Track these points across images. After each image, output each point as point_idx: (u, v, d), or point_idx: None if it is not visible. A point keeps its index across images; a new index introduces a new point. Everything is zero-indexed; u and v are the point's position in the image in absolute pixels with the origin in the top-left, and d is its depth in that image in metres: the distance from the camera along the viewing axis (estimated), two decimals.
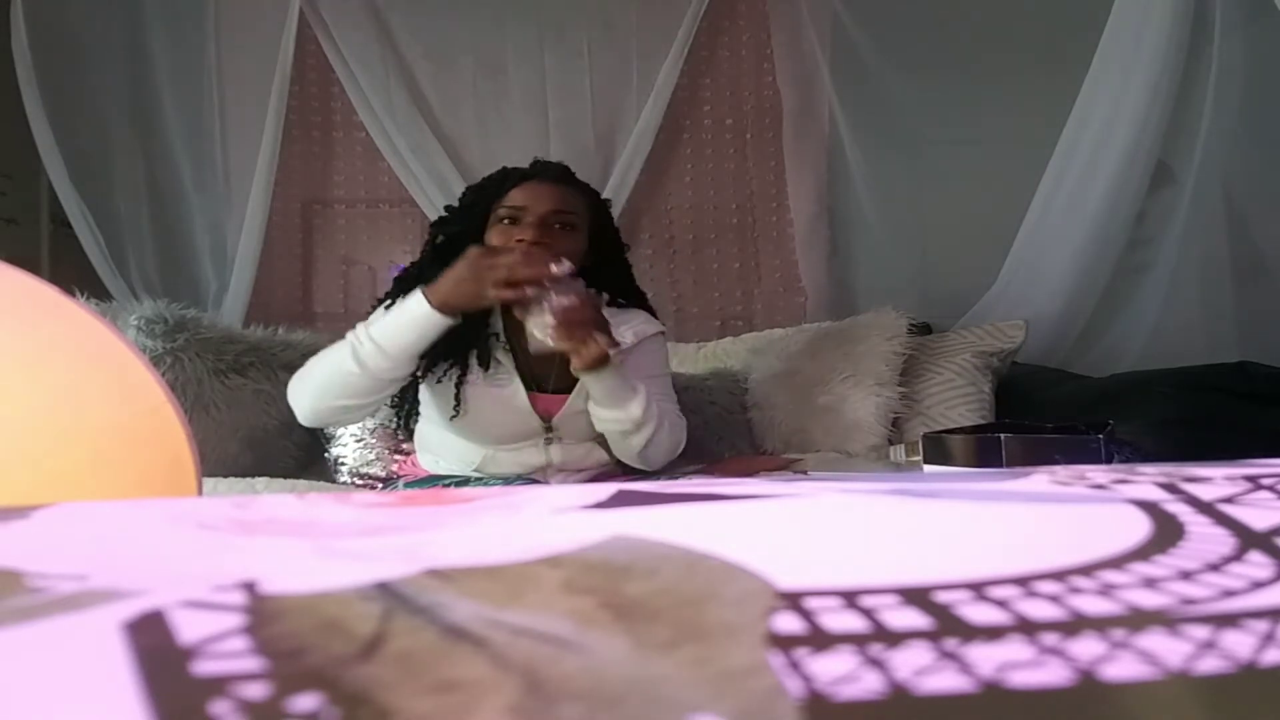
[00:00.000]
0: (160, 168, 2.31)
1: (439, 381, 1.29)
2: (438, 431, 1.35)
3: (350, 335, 1.20)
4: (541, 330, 1.14)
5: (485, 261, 1.13)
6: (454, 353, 1.27)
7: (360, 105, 2.35)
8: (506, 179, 1.31)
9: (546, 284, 1.12)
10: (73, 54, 2.19)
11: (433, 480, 1.37)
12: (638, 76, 2.43)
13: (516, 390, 1.28)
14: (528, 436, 1.30)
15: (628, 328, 1.34)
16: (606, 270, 1.39)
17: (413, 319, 1.15)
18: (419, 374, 1.29)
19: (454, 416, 1.28)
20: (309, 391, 1.23)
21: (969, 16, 2.18)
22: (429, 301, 1.14)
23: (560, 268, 1.11)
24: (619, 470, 1.41)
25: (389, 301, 1.28)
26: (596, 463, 1.36)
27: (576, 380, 1.25)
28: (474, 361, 1.29)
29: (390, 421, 1.55)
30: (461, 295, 1.14)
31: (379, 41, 2.35)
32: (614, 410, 1.23)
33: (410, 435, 1.47)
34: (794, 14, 2.46)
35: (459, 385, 1.27)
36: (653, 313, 1.44)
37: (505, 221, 1.26)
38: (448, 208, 1.39)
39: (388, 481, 1.55)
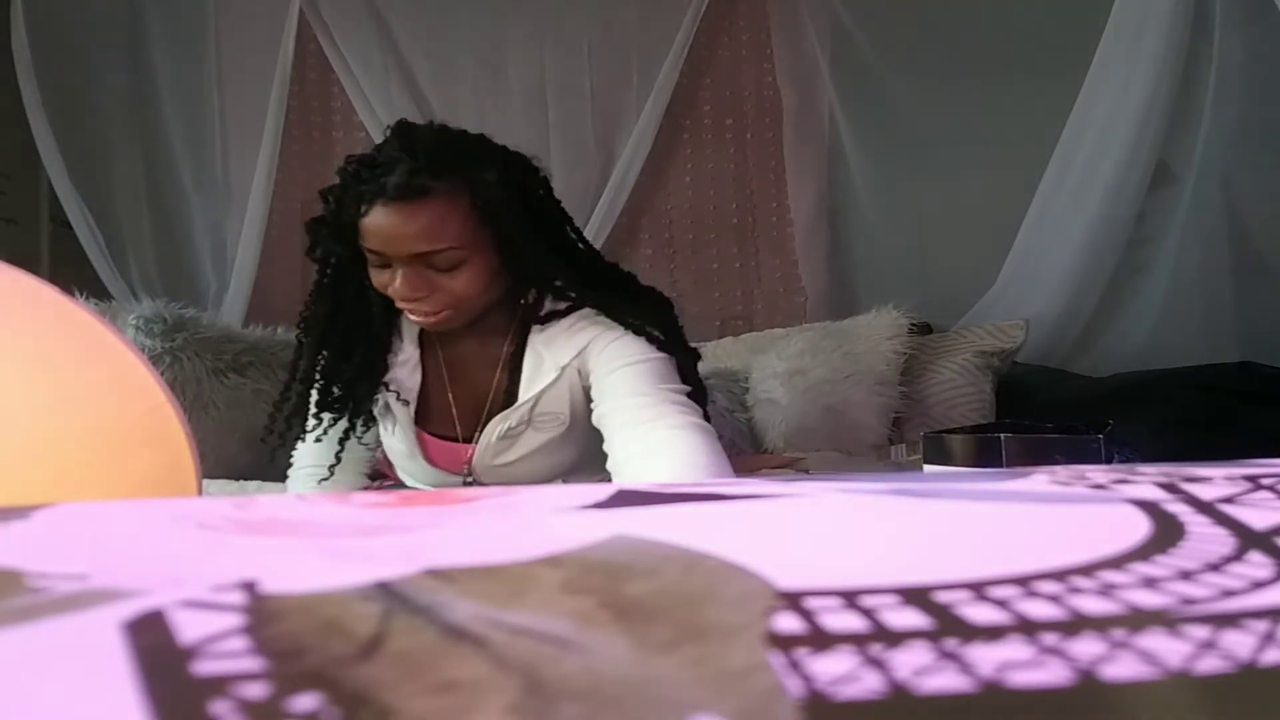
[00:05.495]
0: (160, 168, 2.31)
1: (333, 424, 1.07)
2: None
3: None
4: None
5: None
6: (342, 398, 1.04)
7: (360, 105, 2.35)
8: (348, 189, 0.93)
9: None
10: (73, 54, 2.19)
11: None
12: (638, 76, 2.43)
13: (412, 450, 1.08)
14: (454, 483, 1.12)
15: (547, 352, 1.03)
16: (522, 260, 0.98)
17: None
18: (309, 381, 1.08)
19: (324, 479, 1.08)
20: None
21: (969, 16, 2.19)
22: None
23: None
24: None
25: (303, 362, 1.07)
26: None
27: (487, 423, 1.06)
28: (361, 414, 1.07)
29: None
30: None
31: (379, 41, 2.35)
32: None
33: (282, 442, 1.13)
34: (794, 14, 2.46)
35: (344, 437, 1.07)
36: (611, 300, 1.06)
37: (374, 258, 0.94)
38: (324, 210, 1.00)
39: (374, 477, 1.51)
